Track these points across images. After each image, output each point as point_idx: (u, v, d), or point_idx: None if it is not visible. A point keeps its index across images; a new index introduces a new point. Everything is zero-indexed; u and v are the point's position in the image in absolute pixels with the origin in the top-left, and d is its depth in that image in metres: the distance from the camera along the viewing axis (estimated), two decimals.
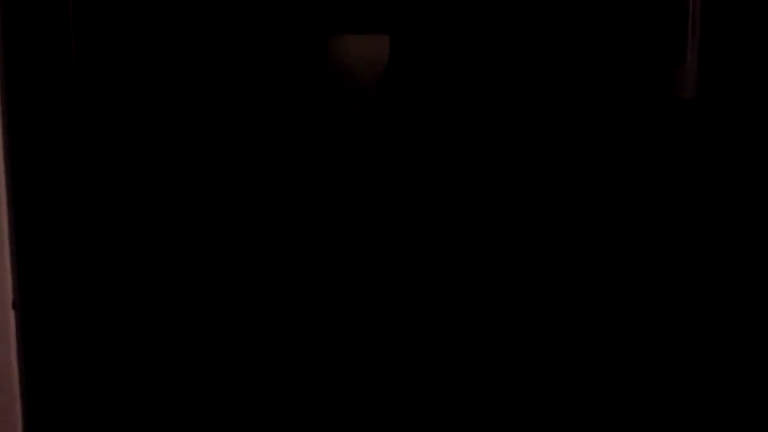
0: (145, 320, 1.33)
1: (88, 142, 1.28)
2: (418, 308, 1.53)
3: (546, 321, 1.59)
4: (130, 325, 1.32)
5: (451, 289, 1.54)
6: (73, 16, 1.25)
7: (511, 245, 1.56)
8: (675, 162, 1.63)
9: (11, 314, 1.26)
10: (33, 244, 1.24)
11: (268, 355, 1.42)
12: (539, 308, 1.58)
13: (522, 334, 1.58)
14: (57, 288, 1.26)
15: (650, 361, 1.63)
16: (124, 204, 1.30)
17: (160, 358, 1.34)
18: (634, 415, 1.63)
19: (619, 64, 1.62)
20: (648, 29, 1.62)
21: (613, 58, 1.62)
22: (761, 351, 1.63)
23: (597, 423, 1.62)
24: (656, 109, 1.61)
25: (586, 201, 1.59)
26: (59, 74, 1.24)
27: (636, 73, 1.62)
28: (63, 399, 1.28)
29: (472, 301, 1.56)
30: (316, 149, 1.44)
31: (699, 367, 1.64)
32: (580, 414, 1.61)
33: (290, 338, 1.44)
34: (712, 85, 1.61)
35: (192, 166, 1.35)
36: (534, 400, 1.60)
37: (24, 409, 1.25)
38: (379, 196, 1.48)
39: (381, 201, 1.49)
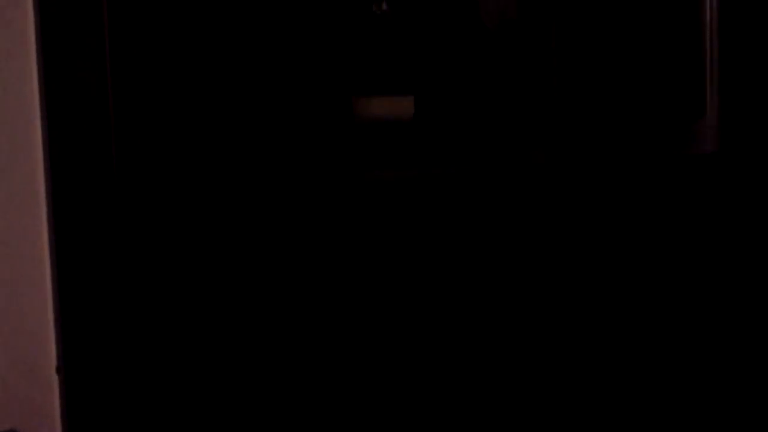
0: (184, 385, 1.34)
1: (125, 206, 1.30)
2: (438, 357, 1.54)
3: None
4: (170, 398, 1.33)
5: (484, 342, 1.56)
6: (111, 84, 1.29)
7: (537, 305, 1.58)
8: (697, 216, 1.64)
9: (55, 379, 1.28)
10: (77, 308, 1.27)
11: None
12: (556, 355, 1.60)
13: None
14: (100, 353, 1.28)
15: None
16: (161, 265, 1.32)
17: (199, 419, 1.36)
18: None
19: (640, 118, 1.64)
20: (667, 83, 1.64)
21: (633, 112, 1.64)
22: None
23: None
24: (678, 163, 1.63)
25: (610, 256, 1.60)
26: (99, 143, 1.27)
27: (657, 127, 1.65)
28: None
29: (491, 353, 1.57)
30: (343, 211, 1.46)
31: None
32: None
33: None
34: (733, 138, 1.64)
35: (221, 226, 1.37)
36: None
37: None
38: (406, 259, 1.50)
39: (408, 264, 1.50)
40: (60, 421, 1.28)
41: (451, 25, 1.64)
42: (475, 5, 1.65)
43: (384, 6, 1.55)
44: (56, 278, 1.26)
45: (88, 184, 1.28)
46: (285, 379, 1.41)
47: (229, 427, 1.37)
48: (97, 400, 1.28)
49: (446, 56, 1.60)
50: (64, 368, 1.27)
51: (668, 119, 1.65)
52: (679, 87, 1.65)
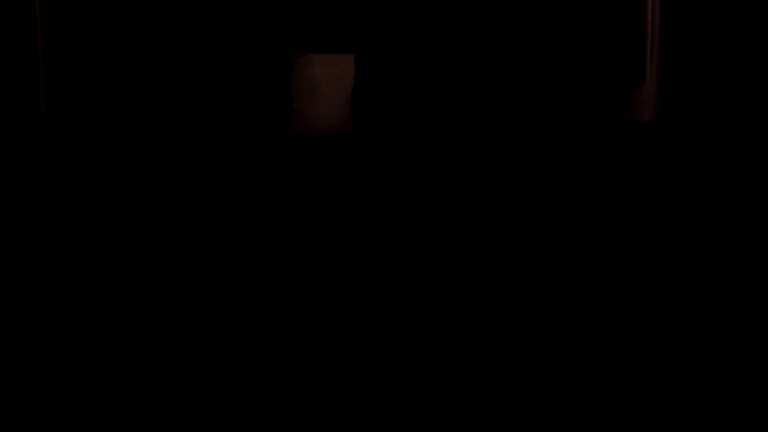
0: (105, 344, 1.33)
1: (55, 169, 1.28)
2: (395, 313, 1.54)
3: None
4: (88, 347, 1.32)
5: (418, 300, 1.56)
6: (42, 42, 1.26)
7: (473, 263, 1.58)
8: (634, 183, 1.65)
9: None
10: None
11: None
12: (503, 326, 1.60)
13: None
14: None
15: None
16: (90, 223, 1.31)
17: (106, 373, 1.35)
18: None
19: (579, 85, 1.65)
20: (607, 51, 1.65)
21: (573, 79, 1.64)
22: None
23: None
24: (615, 131, 1.64)
25: (544, 221, 1.61)
26: (28, 104, 1.25)
27: (596, 94, 1.65)
28: None
29: (441, 304, 1.57)
30: (281, 170, 1.45)
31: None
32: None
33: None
34: (672, 106, 1.65)
35: (160, 191, 1.36)
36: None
37: None
38: (343, 217, 1.49)
39: (345, 222, 1.50)
40: None
41: None
42: None
43: None
44: None
45: (17, 141, 1.26)
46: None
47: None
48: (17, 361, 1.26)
49: (387, 14, 1.59)
50: None
51: (607, 87, 1.66)
52: (619, 55, 1.65)
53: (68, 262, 1.30)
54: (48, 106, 1.26)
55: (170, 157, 1.36)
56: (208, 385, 1.40)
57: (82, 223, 1.31)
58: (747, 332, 1.65)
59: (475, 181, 1.58)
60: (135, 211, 1.34)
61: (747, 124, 1.64)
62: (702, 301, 1.66)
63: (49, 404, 1.29)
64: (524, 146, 1.60)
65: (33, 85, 1.26)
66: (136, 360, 1.35)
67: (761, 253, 1.65)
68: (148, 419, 1.35)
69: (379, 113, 1.58)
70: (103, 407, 1.33)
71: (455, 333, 1.58)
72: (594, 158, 1.62)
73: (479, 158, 1.58)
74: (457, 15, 1.61)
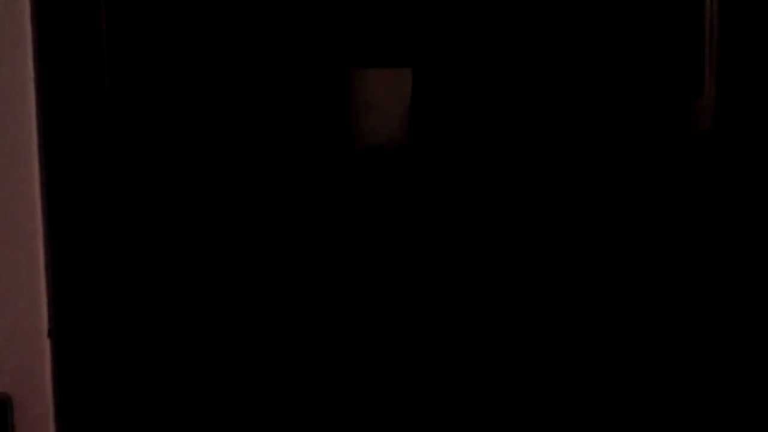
0: (175, 355, 1.34)
1: (120, 178, 1.29)
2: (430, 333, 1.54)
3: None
4: (160, 359, 1.33)
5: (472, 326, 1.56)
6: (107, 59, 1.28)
7: (531, 281, 1.58)
8: (693, 195, 1.64)
9: (47, 343, 1.27)
10: (68, 273, 1.26)
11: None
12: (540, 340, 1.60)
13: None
14: (92, 316, 1.27)
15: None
16: (155, 239, 1.31)
17: (190, 396, 1.35)
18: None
19: (636, 96, 1.64)
20: (664, 60, 1.64)
21: (629, 90, 1.64)
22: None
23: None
24: (674, 142, 1.63)
25: (604, 235, 1.61)
26: (94, 120, 1.27)
27: (653, 105, 1.65)
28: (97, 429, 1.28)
29: (478, 339, 1.57)
30: (342, 186, 1.45)
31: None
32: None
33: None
34: (730, 116, 1.64)
35: (222, 206, 1.36)
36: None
37: None
38: (407, 233, 1.50)
39: (409, 237, 1.50)
40: (51, 385, 1.27)
41: None
42: None
43: None
44: (48, 241, 1.25)
45: (83, 152, 1.27)
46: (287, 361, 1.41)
47: (219, 396, 1.37)
48: (89, 364, 1.27)
49: (442, 29, 1.60)
50: (55, 332, 1.26)
51: (665, 98, 1.65)
52: (676, 65, 1.65)
53: (135, 276, 1.31)
54: (114, 121, 1.28)
55: (234, 174, 1.36)
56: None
57: (147, 236, 1.32)
58: None
59: (534, 195, 1.57)
60: (200, 226, 1.34)
61: None
62: (761, 311, 1.65)
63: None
64: (580, 161, 1.60)
65: (99, 98, 1.27)
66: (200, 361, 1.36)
67: None
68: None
69: (437, 128, 1.58)
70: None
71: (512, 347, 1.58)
72: (652, 170, 1.62)
73: (534, 173, 1.58)
74: (511, 27, 1.61)
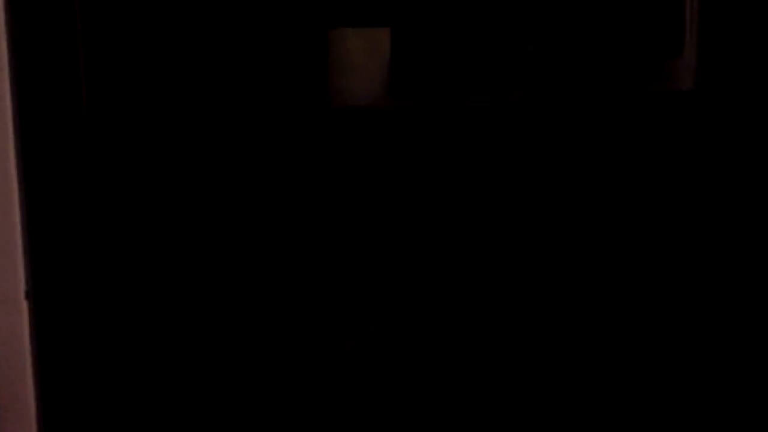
0: (151, 312, 1.35)
1: (95, 139, 1.30)
2: (418, 307, 1.55)
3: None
4: (137, 318, 1.34)
5: (455, 283, 1.57)
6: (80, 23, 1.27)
7: (513, 238, 1.58)
8: (673, 153, 1.64)
9: (24, 305, 1.29)
10: (44, 237, 1.27)
11: (263, 353, 1.45)
12: (536, 307, 1.61)
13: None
14: (68, 279, 1.28)
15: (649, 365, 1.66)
16: (131, 198, 1.32)
17: (166, 352, 1.37)
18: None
19: (617, 55, 1.64)
20: (645, 20, 1.63)
21: (610, 49, 1.63)
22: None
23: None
24: (654, 100, 1.63)
25: (584, 192, 1.61)
26: (68, 76, 1.27)
27: (634, 64, 1.64)
28: (76, 390, 1.30)
29: (468, 296, 1.58)
30: (320, 144, 1.46)
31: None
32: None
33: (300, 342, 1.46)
34: (710, 75, 1.63)
35: (196, 165, 1.37)
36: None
37: (38, 400, 1.28)
38: (386, 191, 1.50)
39: (387, 195, 1.51)
40: (29, 345, 1.29)
41: None
42: None
43: None
44: (25, 205, 1.26)
45: (57, 115, 1.27)
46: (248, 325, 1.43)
47: (191, 361, 1.39)
48: (66, 325, 1.29)
49: None
50: (32, 294, 1.28)
51: (645, 57, 1.65)
52: (657, 25, 1.64)
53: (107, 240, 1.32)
54: (88, 80, 1.28)
55: (208, 133, 1.37)
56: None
57: (121, 198, 1.33)
58: None
59: (512, 156, 1.58)
60: (171, 185, 1.35)
61: None
62: (740, 283, 1.65)
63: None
64: (561, 118, 1.60)
65: (73, 60, 1.27)
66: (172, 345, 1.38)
67: None
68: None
69: (416, 87, 1.58)
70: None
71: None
72: (632, 128, 1.62)
73: (515, 132, 1.58)
74: None
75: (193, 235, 1.37)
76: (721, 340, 1.65)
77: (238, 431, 1.42)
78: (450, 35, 1.58)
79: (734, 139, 1.64)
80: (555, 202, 1.60)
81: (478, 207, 1.57)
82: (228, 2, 1.36)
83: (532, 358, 1.61)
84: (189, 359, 1.39)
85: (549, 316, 1.61)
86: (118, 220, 1.31)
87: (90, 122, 1.28)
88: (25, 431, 1.29)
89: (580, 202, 1.61)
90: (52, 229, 1.27)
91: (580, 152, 1.61)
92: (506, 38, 1.59)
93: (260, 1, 1.39)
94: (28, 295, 1.29)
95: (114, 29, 1.30)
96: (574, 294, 1.63)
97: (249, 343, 1.42)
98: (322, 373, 1.48)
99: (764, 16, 1.60)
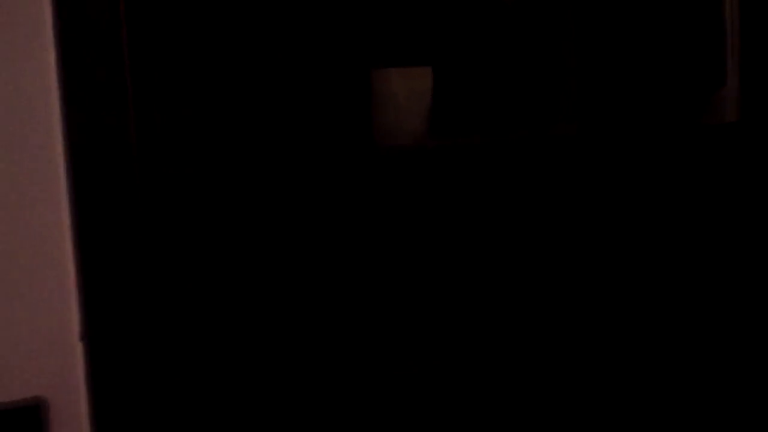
0: (209, 356, 1.35)
1: (146, 178, 1.31)
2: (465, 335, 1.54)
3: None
4: (196, 361, 1.34)
5: (499, 318, 1.56)
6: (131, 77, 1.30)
7: (564, 274, 1.58)
8: (718, 185, 1.64)
9: (79, 346, 1.29)
10: (99, 274, 1.28)
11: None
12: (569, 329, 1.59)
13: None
14: (123, 319, 1.29)
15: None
16: (183, 237, 1.33)
17: (224, 400, 1.36)
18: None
19: (661, 88, 1.64)
20: (687, 53, 1.64)
21: (654, 82, 1.64)
22: None
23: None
24: (698, 133, 1.63)
25: (632, 225, 1.60)
26: (117, 120, 1.29)
27: (677, 96, 1.64)
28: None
29: (519, 336, 1.57)
30: (365, 184, 1.46)
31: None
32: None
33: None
34: (754, 107, 1.63)
35: (243, 206, 1.38)
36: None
37: None
38: (431, 231, 1.50)
39: (435, 235, 1.50)
40: (85, 387, 1.29)
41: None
42: None
43: None
44: (78, 245, 1.27)
45: (108, 158, 1.29)
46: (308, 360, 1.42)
47: (253, 397, 1.38)
48: (121, 366, 1.29)
49: (463, 28, 1.60)
50: (87, 335, 1.28)
51: (688, 89, 1.65)
52: (699, 56, 1.64)
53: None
54: (138, 124, 1.29)
55: (257, 175, 1.38)
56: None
57: (175, 239, 1.34)
58: None
59: (561, 190, 1.57)
60: (226, 226, 1.36)
61: None
62: None
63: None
64: (610, 153, 1.60)
65: (123, 103, 1.29)
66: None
67: None
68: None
69: (458, 125, 1.59)
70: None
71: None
72: (679, 161, 1.61)
73: (562, 167, 1.58)
74: (531, 24, 1.61)
75: (246, 281, 1.37)
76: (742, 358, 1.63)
77: None
78: (491, 71, 1.59)
79: None
80: (603, 236, 1.60)
81: (524, 244, 1.57)
82: (272, 46, 1.38)
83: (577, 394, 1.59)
84: (247, 409, 1.38)
85: (607, 359, 1.60)
86: (172, 262, 1.32)
87: (140, 163, 1.30)
88: None
89: (627, 235, 1.60)
90: (107, 267, 1.28)
91: (626, 185, 1.61)
92: (551, 72, 1.60)
93: (307, 46, 1.41)
94: (82, 337, 1.29)
95: (163, 73, 1.32)
96: (630, 331, 1.61)
97: (296, 388, 1.42)
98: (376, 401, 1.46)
99: None
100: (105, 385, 1.29)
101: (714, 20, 1.63)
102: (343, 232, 1.44)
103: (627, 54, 1.61)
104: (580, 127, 1.59)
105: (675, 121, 1.63)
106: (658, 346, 1.63)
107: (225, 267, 1.35)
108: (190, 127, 1.33)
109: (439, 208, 1.51)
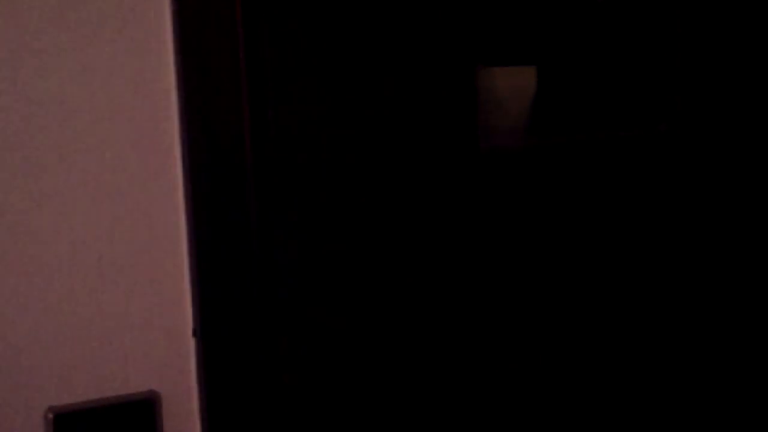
0: (321, 350, 1.35)
1: (260, 183, 1.31)
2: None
3: None
4: (309, 361, 1.35)
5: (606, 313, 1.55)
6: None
7: (668, 279, 1.57)
8: None
9: (192, 342, 1.30)
10: (213, 273, 1.28)
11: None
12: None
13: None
14: (235, 315, 1.29)
15: None
16: (298, 241, 1.33)
17: (338, 382, 1.37)
18: None
19: (755, 87, 1.62)
20: None
21: (752, 81, 1.62)
22: None
23: None
24: None
25: (737, 226, 1.59)
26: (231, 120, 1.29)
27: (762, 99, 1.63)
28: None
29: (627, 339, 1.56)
30: (469, 184, 1.45)
31: None
32: None
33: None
34: None
35: (350, 208, 1.37)
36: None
37: None
38: (535, 230, 1.49)
39: (538, 234, 1.50)
40: (197, 383, 1.30)
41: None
42: None
43: None
44: (192, 242, 1.28)
45: (223, 161, 1.29)
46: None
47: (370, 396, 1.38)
48: (233, 362, 1.29)
49: (563, 28, 1.59)
50: (200, 331, 1.29)
51: None
52: None
53: None
54: (253, 127, 1.30)
55: (363, 178, 1.38)
56: None
57: (290, 237, 1.34)
58: None
59: (662, 188, 1.56)
60: (335, 226, 1.36)
61: None
62: None
63: None
64: (710, 152, 1.58)
65: (238, 109, 1.30)
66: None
67: None
68: None
69: (560, 124, 1.58)
70: None
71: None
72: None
73: (664, 165, 1.56)
74: (635, 25, 1.60)
75: (350, 275, 1.37)
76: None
77: None
78: (594, 71, 1.58)
79: None
80: (703, 234, 1.58)
81: (626, 244, 1.55)
82: (380, 46, 1.38)
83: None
84: (359, 406, 1.38)
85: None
86: (286, 259, 1.32)
87: (254, 166, 1.30)
88: None
89: (726, 234, 1.59)
90: (221, 267, 1.29)
91: (730, 186, 1.59)
92: (648, 73, 1.59)
93: (412, 45, 1.41)
94: (195, 333, 1.30)
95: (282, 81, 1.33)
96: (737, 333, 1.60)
97: (413, 381, 1.42)
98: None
99: None
100: (216, 380, 1.29)
101: None
102: (450, 232, 1.44)
103: (728, 55, 1.59)
104: (674, 125, 1.58)
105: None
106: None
107: (333, 267, 1.35)
108: (305, 131, 1.33)
109: (548, 208, 1.50)
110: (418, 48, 1.41)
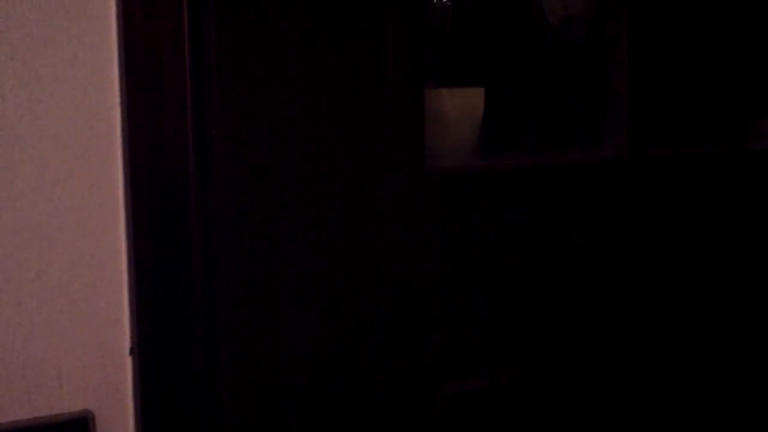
0: (265, 364, 1.34)
1: (202, 200, 1.30)
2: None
3: None
4: (252, 377, 1.33)
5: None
6: None
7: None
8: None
9: (128, 360, 1.29)
10: (150, 290, 1.27)
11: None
12: None
13: None
14: (177, 333, 1.28)
15: None
16: (243, 253, 1.32)
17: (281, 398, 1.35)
18: None
19: (707, 113, 1.64)
20: (735, 77, 1.64)
21: (701, 107, 1.64)
22: None
23: None
24: (746, 157, 1.63)
25: (687, 252, 1.60)
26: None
27: (724, 122, 1.64)
28: None
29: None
30: (414, 205, 1.45)
31: None
32: None
33: None
34: None
35: (295, 224, 1.37)
36: None
37: None
38: (482, 251, 1.49)
39: (485, 256, 1.49)
40: (133, 402, 1.28)
41: (512, 19, 1.64)
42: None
43: None
44: (133, 258, 1.26)
45: (164, 167, 1.28)
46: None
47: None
48: (170, 382, 1.28)
49: (510, 50, 1.60)
50: (137, 349, 1.27)
51: (734, 115, 1.65)
52: (747, 83, 1.64)
53: None
54: (195, 138, 1.29)
55: (312, 198, 1.37)
56: None
57: (232, 249, 1.32)
58: None
59: (611, 214, 1.57)
60: (279, 236, 1.35)
61: None
62: None
63: None
64: (656, 177, 1.59)
65: (182, 114, 1.28)
66: None
67: None
68: None
69: (507, 145, 1.58)
70: None
71: None
72: (726, 186, 1.61)
73: (609, 191, 1.57)
74: (581, 47, 1.61)
75: (292, 289, 1.36)
76: None
77: None
78: (541, 93, 1.59)
79: None
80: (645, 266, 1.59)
81: (577, 266, 1.56)
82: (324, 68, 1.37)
83: None
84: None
85: None
86: (227, 275, 1.31)
87: (196, 181, 1.29)
88: None
89: (679, 261, 1.60)
90: (159, 284, 1.27)
91: (676, 212, 1.60)
92: (597, 96, 1.60)
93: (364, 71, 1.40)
94: (132, 352, 1.28)
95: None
96: None
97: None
98: None
99: None
100: (153, 399, 1.28)
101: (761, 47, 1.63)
102: (395, 252, 1.43)
103: (677, 79, 1.61)
104: (628, 150, 1.59)
105: (722, 146, 1.63)
106: None
107: (273, 285, 1.34)
108: (248, 150, 1.32)
109: (491, 228, 1.50)
110: (365, 66, 1.40)
